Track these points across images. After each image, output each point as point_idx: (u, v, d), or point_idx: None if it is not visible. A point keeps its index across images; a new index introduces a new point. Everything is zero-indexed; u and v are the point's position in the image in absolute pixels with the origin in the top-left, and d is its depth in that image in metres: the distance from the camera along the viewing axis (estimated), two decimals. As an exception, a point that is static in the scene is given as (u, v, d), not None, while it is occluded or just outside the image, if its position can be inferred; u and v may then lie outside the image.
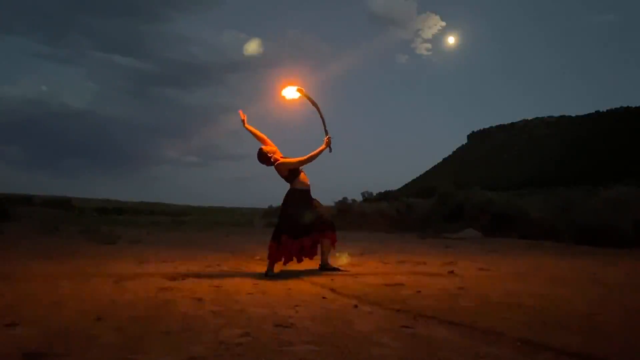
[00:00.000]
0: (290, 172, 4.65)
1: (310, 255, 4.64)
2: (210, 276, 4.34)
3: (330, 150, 4.75)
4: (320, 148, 4.68)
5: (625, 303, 3.13)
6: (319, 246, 4.70)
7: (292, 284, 3.93)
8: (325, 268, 4.73)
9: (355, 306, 2.92)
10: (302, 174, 4.71)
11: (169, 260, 5.65)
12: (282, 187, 4.79)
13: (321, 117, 4.86)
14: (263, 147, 4.70)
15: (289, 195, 4.67)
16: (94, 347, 2.00)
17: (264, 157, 4.65)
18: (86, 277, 4.16)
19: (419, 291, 3.45)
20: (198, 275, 4.37)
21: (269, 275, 4.39)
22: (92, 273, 4.41)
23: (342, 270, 4.69)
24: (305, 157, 4.64)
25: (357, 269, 4.98)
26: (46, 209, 23.01)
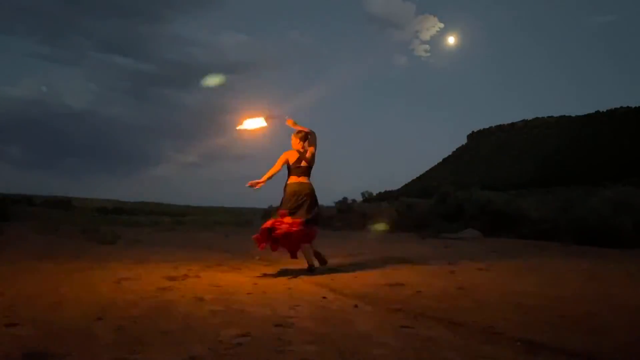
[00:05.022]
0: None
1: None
2: (210, 276, 4.35)
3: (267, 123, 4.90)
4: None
5: (626, 303, 3.13)
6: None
7: (292, 284, 3.94)
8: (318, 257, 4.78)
9: (355, 306, 2.92)
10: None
11: (169, 260, 5.64)
12: (281, 187, 4.78)
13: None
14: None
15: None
16: (94, 347, 2.00)
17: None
18: (86, 277, 4.16)
19: (419, 291, 3.45)
20: (198, 275, 4.37)
21: (312, 270, 4.53)
22: (92, 273, 4.41)
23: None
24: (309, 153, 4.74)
25: (357, 269, 4.98)
26: (46, 209, 23.00)
